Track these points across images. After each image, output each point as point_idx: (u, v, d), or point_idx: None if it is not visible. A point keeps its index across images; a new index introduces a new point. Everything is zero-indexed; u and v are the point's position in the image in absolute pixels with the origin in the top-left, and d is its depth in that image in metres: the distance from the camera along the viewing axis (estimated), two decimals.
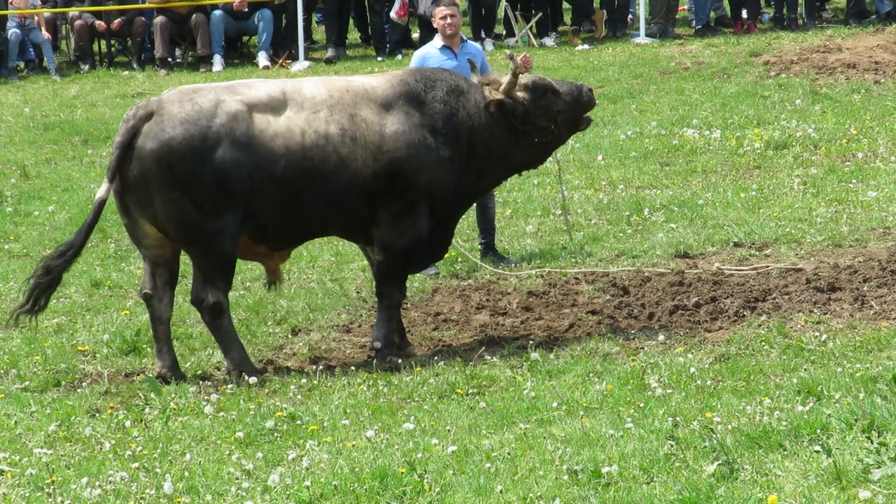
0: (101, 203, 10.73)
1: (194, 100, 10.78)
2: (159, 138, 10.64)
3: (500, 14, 26.83)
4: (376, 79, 11.48)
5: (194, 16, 24.82)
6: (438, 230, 11.52)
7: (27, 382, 11.00)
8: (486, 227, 14.12)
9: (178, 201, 10.65)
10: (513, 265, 13.76)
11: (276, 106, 10.92)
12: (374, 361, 11.25)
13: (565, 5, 27.34)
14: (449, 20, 13.68)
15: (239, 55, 25.90)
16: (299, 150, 10.86)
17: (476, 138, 11.47)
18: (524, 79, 11.71)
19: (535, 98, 11.68)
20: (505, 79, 11.66)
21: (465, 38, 13.83)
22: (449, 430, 9.36)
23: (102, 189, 10.70)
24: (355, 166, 11.01)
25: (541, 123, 11.68)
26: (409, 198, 11.19)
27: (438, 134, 11.29)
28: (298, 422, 9.80)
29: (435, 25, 13.93)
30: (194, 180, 10.64)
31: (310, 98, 11.03)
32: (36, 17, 24.85)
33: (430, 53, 13.71)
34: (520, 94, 11.65)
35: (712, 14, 26.08)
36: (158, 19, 24.72)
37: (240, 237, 10.91)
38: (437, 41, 13.80)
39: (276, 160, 10.80)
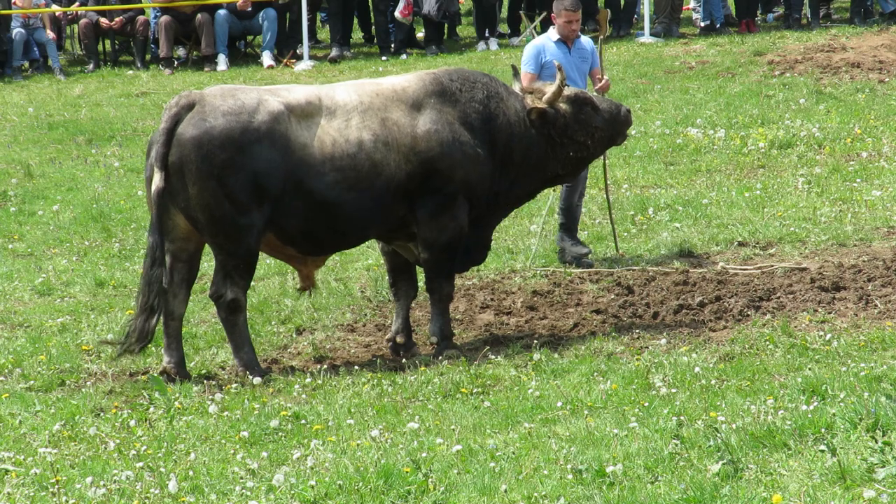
0: (160, 193, 10.69)
1: (237, 95, 10.87)
2: (200, 127, 10.68)
3: (505, 13, 26.83)
4: (407, 79, 11.47)
5: (199, 15, 24.83)
6: (474, 235, 11.53)
7: (32, 382, 11.01)
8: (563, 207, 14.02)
9: (213, 191, 10.67)
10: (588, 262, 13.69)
11: (312, 111, 10.96)
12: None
13: None
14: (574, 25, 13.66)
15: (243, 55, 25.91)
16: (331, 156, 10.88)
17: (514, 146, 11.47)
18: (566, 91, 11.72)
19: (576, 111, 11.71)
20: (549, 88, 11.66)
21: (579, 34, 13.84)
22: (453, 430, 9.36)
23: (157, 179, 10.67)
24: (388, 171, 11.03)
25: (578, 137, 11.70)
26: (447, 193, 11.21)
27: (475, 132, 11.29)
28: (303, 421, 9.81)
29: (556, 23, 13.81)
30: (231, 172, 10.67)
31: (342, 105, 11.05)
32: (40, 17, 24.87)
33: (546, 46, 13.65)
34: (562, 106, 11.65)
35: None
36: (163, 18, 24.73)
37: (264, 236, 10.96)
38: (553, 33, 13.77)
39: (311, 164, 10.84)
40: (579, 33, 13.81)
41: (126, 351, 10.95)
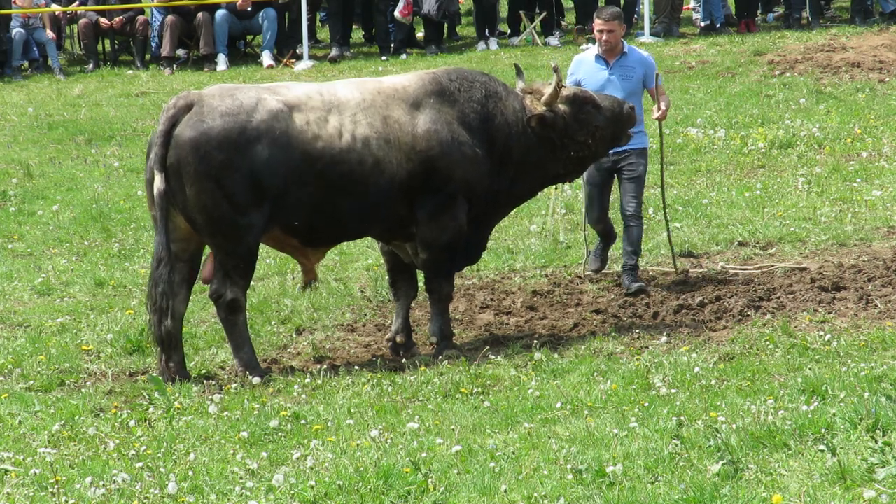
0: (163, 194, 10.67)
1: (235, 95, 10.85)
2: (198, 128, 10.66)
3: (505, 13, 26.82)
4: (408, 78, 11.46)
5: (199, 15, 24.82)
6: (473, 234, 11.51)
7: (31, 382, 11.00)
8: (629, 249, 12.99)
9: (211, 192, 10.66)
10: (642, 288, 12.83)
11: (313, 108, 10.93)
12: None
13: (569, 4, 27.33)
14: (605, 36, 12.83)
15: (243, 55, 25.91)
16: (333, 154, 10.87)
17: (512, 145, 11.43)
18: (566, 91, 11.62)
19: (576, 111, 11.61)
20: (547, 90, 11.58)
21: (627, 49, 12.96)
22: (453, 430, 9.36)
23: (158, 181, 10.66)
24: (390, 169, 11.01)
25: (579, 137, 11.62)
26: (446, 193, 11.20)
27: (473, 132, 11.25)
28: (303, 421, 9.80)
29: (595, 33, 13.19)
30: (229, 172, 10.66)
31: (343, 101, 11.03)
32: (40, 17, 24.87)
33: (584, 61, 13.02)
34: (561, 107, 11.58)
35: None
36: (168, 18, 24.72)
37: (266, 233, 10.95)
38: (596, 48, 12.99)
39: (311, 163, 10.82)
40: (626, 49, 12.92)
41: (162, 360, 10.90)
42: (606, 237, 13.27)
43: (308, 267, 11.54)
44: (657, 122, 13.22)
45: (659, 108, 12.99)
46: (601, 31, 12.90)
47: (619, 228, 13.35)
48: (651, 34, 25.36)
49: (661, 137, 13.53)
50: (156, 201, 10.72)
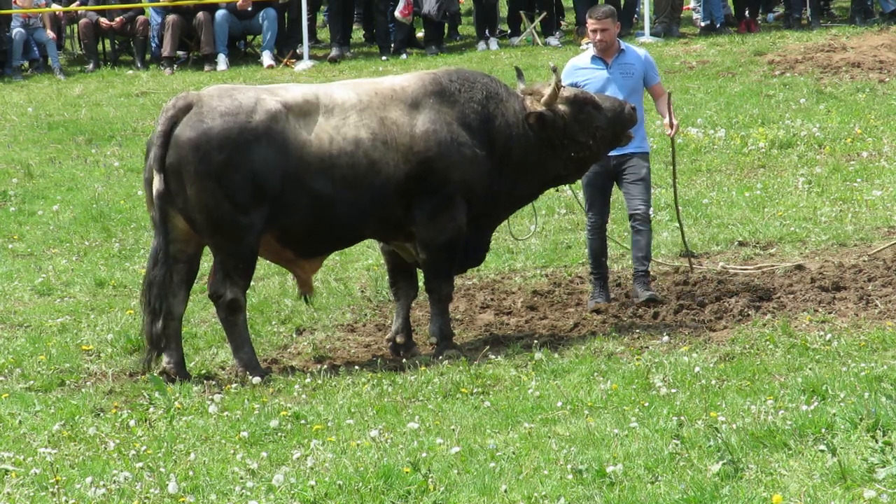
0: (162, 195, 10.70)
1: (234, 96, 10.87)
2: (198, 128, 10.68)
3: (505, 13, 26.82)
4: (407, 78, 11.45)
5: (199, 14, 24.83)
6: (474, 236, 11.50)
7: (31, 382, 11.00)
8: (639, 255, 12.66)
9: (212, 191, 10.67)
10: (653, 297, 12.54)
11: (310, 109, 10.95)
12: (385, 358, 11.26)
13: (569, 4, 27.32)
14: (599, 35, 12.45)
15: (243, 55, 25.90)
16: (330, 155, 10.87)
17: (512, 146, 11.41)
18: (566, 92, 11.57)
19: (576, 112, 11.57)
20: (547, 90, 11.55)
21: (624, 46, 12.66)
22: (453, 430, 9.35)
23: (157, 182, 10.69)
24: (387, 170, 11.01)
25: (579, 138, 11.57)
26: (445, 194, 11.19)
27: (473, 133, 11.24)
28: (303, 421, 9.80)
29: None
30: (229, 172, 10.67)
31: (340, 103, 11.03)
32: (40, 17, 24.87)
33: (581, 64, 12.66)
34: (561, 108, 11.55)
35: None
36: (169, 18, 24.72)
37: (263, 236, 10.94)
38: (591, 50, 12.64)
39: (309, 163, 10.83)
40: (622, 46, 12.61)
41: (149, 360, 10.93)
42: (598, 264, 12.71)
43: (303, 279, 11.55)
44: (666, 131, 12.95)
45: (672, 125, 12.75)
46: (595, 31, 12.56)
47: (618, 228, 13.34)
48: (651, 34, 25.35)
49: (672, 151, 13.44)
50: (154, 202, 10.73)
